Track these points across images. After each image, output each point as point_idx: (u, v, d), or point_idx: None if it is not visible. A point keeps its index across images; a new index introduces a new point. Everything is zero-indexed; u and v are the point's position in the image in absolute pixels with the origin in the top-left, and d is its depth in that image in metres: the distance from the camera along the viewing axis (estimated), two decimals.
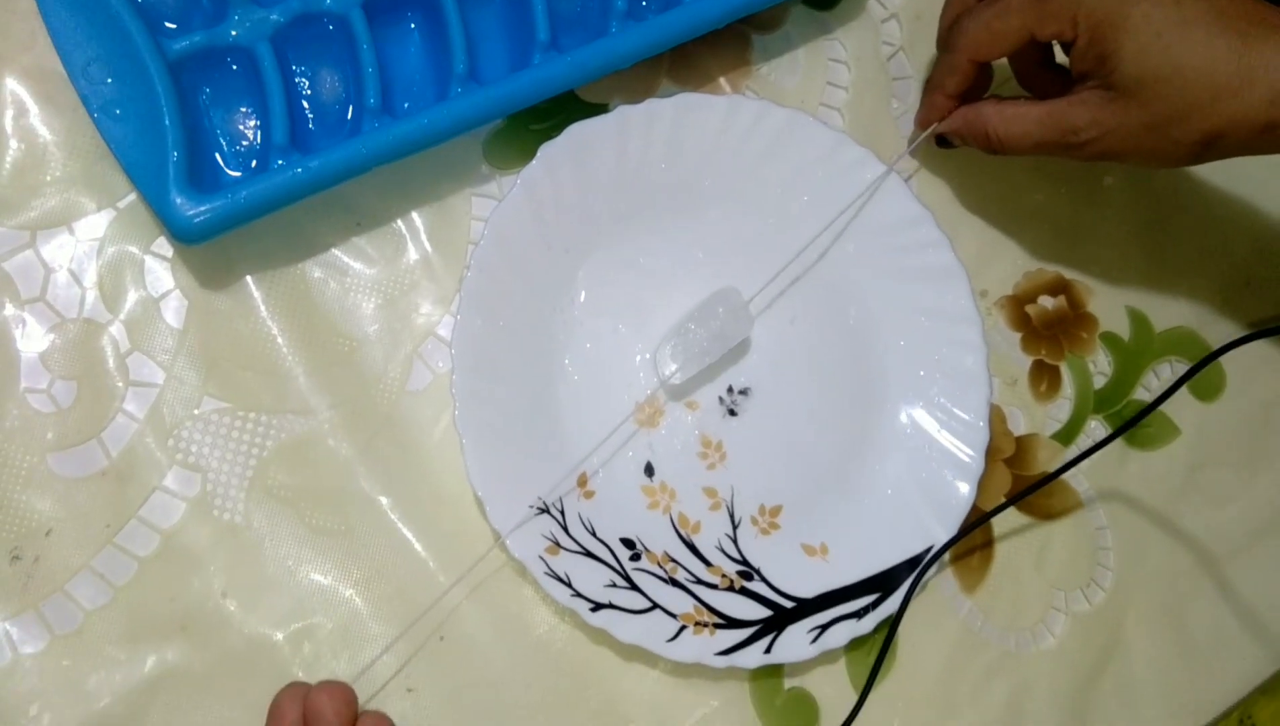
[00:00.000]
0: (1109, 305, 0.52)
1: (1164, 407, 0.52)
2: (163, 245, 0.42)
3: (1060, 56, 0.45)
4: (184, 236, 0.39)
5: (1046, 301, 0.52)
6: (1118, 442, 0.51)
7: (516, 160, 0.46)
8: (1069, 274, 0.52)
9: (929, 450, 0.47)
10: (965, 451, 0.47)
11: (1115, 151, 0.42)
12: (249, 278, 0.43)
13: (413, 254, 0.45)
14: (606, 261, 0.46)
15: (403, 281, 0.44)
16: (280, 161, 0.40)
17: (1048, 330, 0.52)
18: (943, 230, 0.48)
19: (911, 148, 0.48)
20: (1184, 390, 0.52)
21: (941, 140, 0.48)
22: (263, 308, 0.43)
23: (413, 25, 0.44)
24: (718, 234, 0.47)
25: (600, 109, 0.47)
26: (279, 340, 0.43)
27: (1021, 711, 0.48)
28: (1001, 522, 0.49)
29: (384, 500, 0.43)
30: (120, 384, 0.41)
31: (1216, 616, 0.51)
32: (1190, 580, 0.51)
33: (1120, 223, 0.53)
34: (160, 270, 0.42)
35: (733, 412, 0.46)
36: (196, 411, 0.41)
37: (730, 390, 0.47)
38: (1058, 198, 0.53)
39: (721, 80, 0.49)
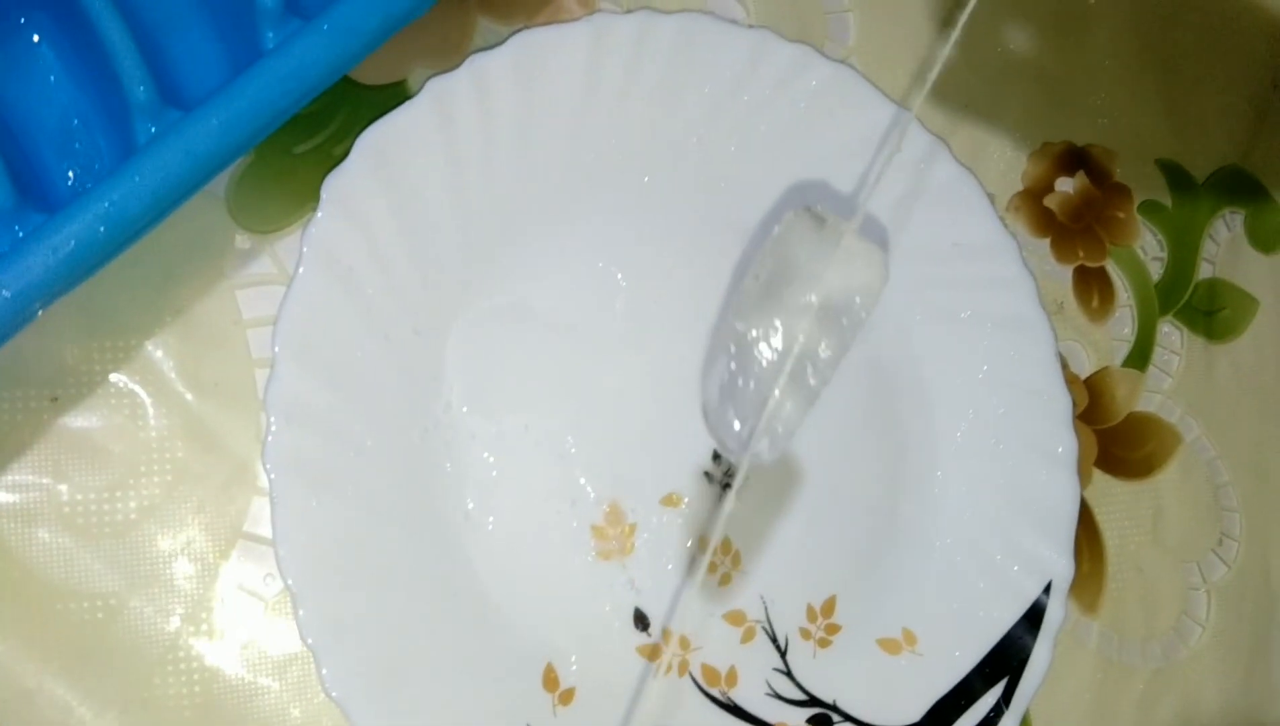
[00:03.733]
0: (1138, 166, 0.40)
1: (1234, 276, 0.41)
2: None
3: None
4: None
5: (1065, 185, 0.38)
6: (1199, 342, 0.39)
7: (288, 212, 0.29)
8: (1081, 140, 0.38)
9: (999, 447, 0.33)
10: (1047, 432, 0.33)
11: None
12: None
13: (163, 416, 0.27)
14: (480, 326, 0.29)
15: (161, 469, 0.26)
16: None
17: (1077, 222, 0.38)
18: (935, 135, 0.33)
19: None
20: (1247, 246, 0.40)
21: None
22: None
23: (36, 37, 0.25)
24: (628, 233, 0.31)
25: (395, 91, 0.30)
26: None
27: None
28: (1101, 501, 0.36)
29: None
30: None
31: None
32: None
33: (1121, 53, 0.40)
34: None
35: (728, 485, 0.31)
36: None
37: (717, 457, 0.31)
38: (1041, 46, 0.39)
39: None
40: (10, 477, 0.25)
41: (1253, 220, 0.41)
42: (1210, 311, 0.40)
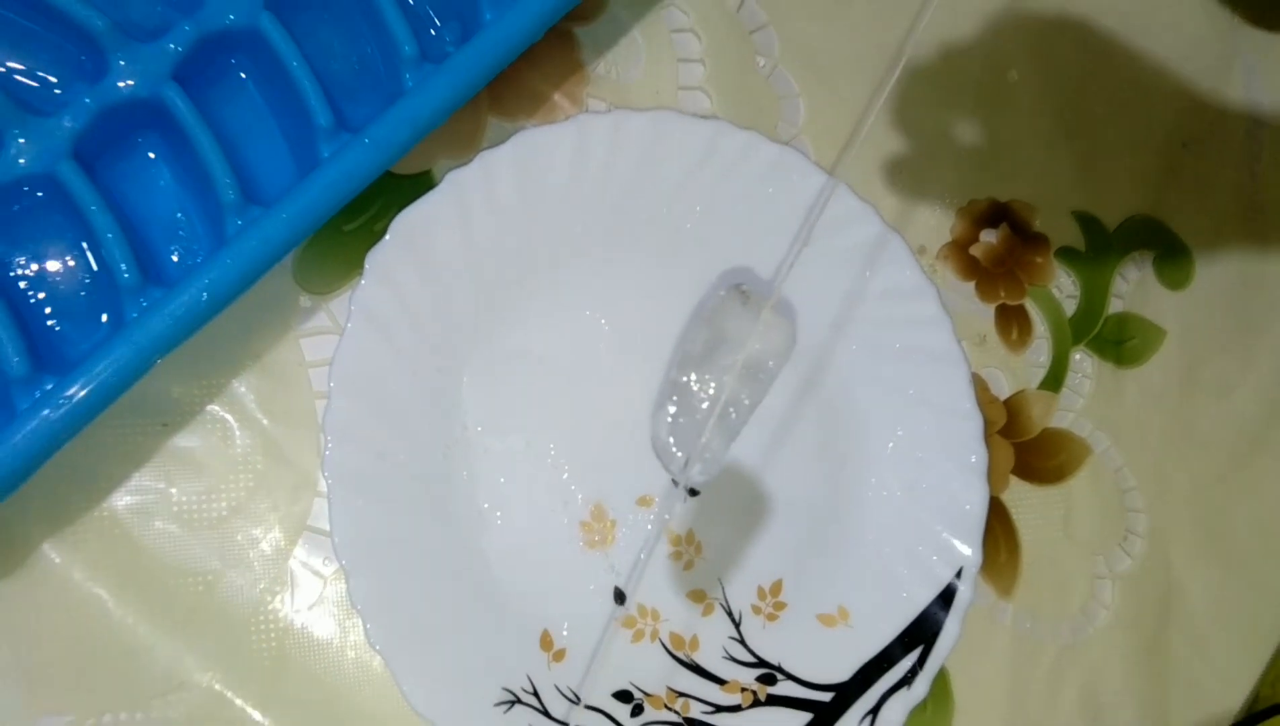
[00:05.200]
0: (1055, 217, 0.46)
1: (1142, 310, 0.47)
2: None
3: None
4: None
5: (989, 236, 0.45)
6: (1109, 367, 0.45)
7: (340, 278, 0.36)
8: (1003, 196, 0.45)
9: (922, 457, 0.40)
10: (963, 445, 0.40)
11: None
12: (45, 545, 0.32)
13: (247, 438, 0.35)
14: (490, 366, 0.37)
15: (245, 477, 0.34)
16: (30, 400, 0.29)
17: (1000, 267, 0.45)
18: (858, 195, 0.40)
19: None
20: (1155, 284, 0.47)
21: None
22: (76, 575, 0.32)
23: (151, 154, 0.34)
24: (610, 288, 0.38)
25: (422, 180, 0.37)
26: (111, 608, 0.33)
27: (1099, 702, 0.42)
28: (1017, 502, 0.43)
29: None
30: None
31: (1258, 514, 0.47)
32: (1222, 486, 0.46)
33: (1038, 120, 0.46)
34: None
35: (693, 491, 0.38)
36: None
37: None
38: (964, 117, 0.45)
39: (556, 97, 0.40)
40: (133, 483, 0.34)
41: (1161, 261, 0.47)
42: (1119, 341, 0.46)
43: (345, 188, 0.33)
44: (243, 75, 0.35)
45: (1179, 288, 0.47)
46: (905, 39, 0.43)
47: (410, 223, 0.35)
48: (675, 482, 0.38)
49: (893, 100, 0.44)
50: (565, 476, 0.37)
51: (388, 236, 0.35)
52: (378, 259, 0.35)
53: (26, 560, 0.32)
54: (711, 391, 0.30)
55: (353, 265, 0.36)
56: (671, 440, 0.31)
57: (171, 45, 0.32)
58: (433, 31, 0.37)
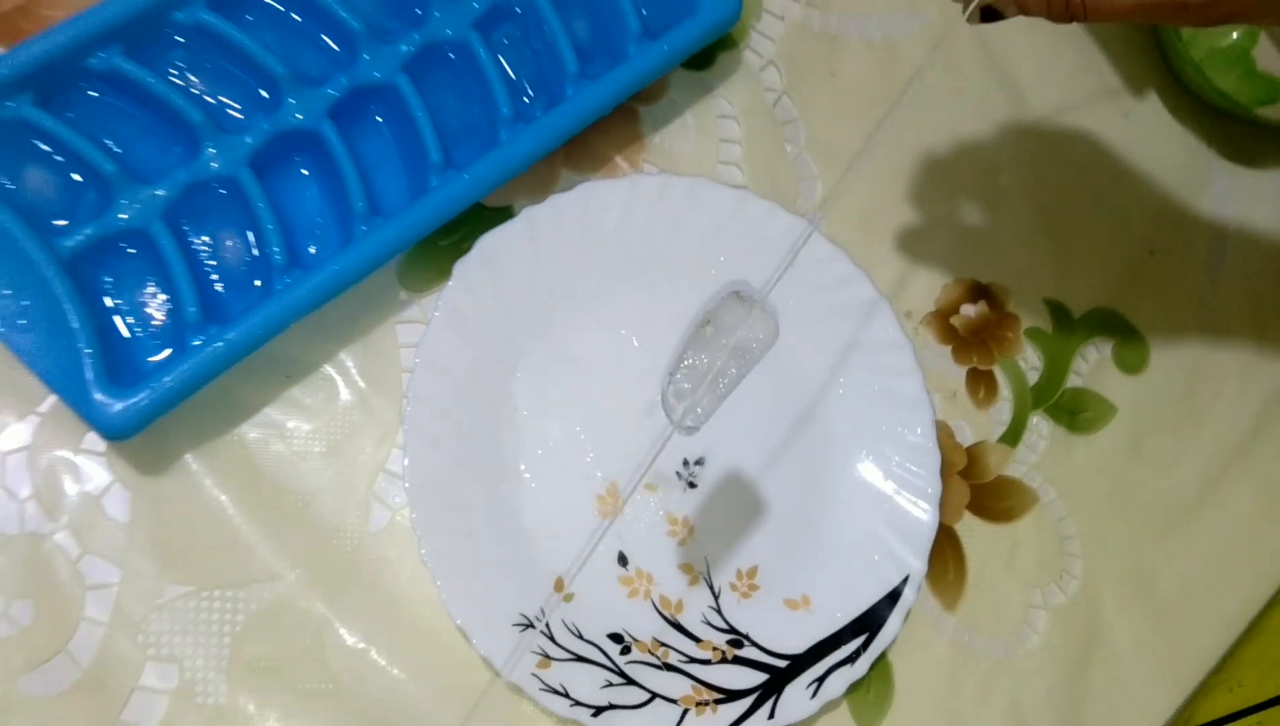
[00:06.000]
0: (1028, 301, 0.54)
1: (1098, 387, 0.54)
2: (93, 441, 0.41)
3: None
4: (113, 434, 0.38)
5: (969, 310, 0.53)
6: (1063, 432, 0.53)
7: (432, 280, 0.46)
8: (984, 278, 0.53)
9: (887, 483, 0.48)
10: (922, 477, 0.48)
11: (1250, 8, 0.33)
12: (188, 455, 0.42)
13: (348, 395, 0.44)
14: (540, 362, 0.46)
15: (343, 425, 0.44)
16: (198, 339, 0.39)
17: (975, 337, 0.53)
18: (855, 262, 0.49)
19: (967, 15, 0.38)
20: (1112, 367, 0.54)
21: (989, 12, 0.38)
22: (208, 482, 0.42)
23: (304, 171, 0.44)
24: (643, 313, 0.48)
25: (504, 212, 0.47)
26: (230, 511, 0.42)
27: (1022, 715, 0.49)
28: (968, 533, 0.50)
29: (366, 648, 0.42)
30: (78, 591, 0.40)
31: (1186, 576, 0.53)
32: (1155, 548, 0.53)
33: (1022, 219, 0.55)
34: (95, 466, 0.41)
35: (692, 484, 0.47)
36: (161, 601, 0.41)
37: (686, 463, 0.47)
38: (960, 208, 0.54)
39: (618, 159, 0.50)
40: (260, 417, 0.43)
41: (1120, 348, 0.55)
42: (1074, 411, 0.54)
43: (445, 211, 0.43)
44: (379, 118, 0.45)
45: (1134, 372, 0.55)
46: (881, 118, 0.52)
47: (491, 244, 0.45)
48: (678, 475, 0.46)
49: (906, 184, 0.53)
50: (589, 457, 0.46)
51: (473, 252, 0.45)
52: (463, 269, 0.45)
53: (172, 465, 0.42)
54: (706, 364, 0.39)
55: (443, 271, 0.46)
56: (674, 398, 0.40)
57: (330, 91, 0.43)
58: (525, 100, 0.47)
